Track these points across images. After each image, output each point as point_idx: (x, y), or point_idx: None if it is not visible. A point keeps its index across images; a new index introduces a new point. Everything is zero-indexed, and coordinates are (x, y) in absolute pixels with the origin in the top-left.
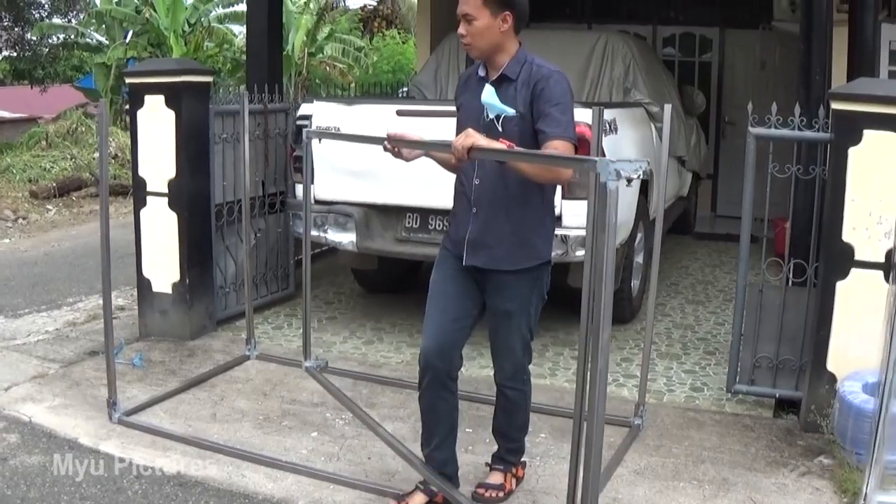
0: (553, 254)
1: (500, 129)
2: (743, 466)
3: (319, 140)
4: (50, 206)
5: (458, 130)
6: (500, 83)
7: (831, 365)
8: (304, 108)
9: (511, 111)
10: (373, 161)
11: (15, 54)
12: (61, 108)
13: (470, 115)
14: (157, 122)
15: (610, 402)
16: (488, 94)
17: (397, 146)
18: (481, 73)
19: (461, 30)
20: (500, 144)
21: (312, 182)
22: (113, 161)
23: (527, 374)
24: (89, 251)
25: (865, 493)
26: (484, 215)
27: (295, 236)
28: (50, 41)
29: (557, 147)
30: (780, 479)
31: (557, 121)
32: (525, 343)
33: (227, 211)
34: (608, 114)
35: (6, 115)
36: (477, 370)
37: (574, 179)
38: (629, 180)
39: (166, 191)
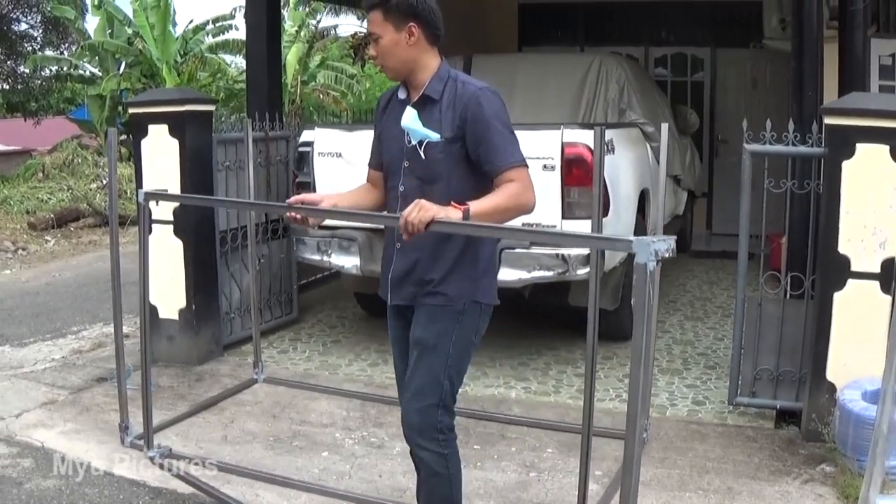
0: (553, 273)
1: (422, 155)
2: (747, 476)
3: (157, 202)
4: (49, 237)
5: (377, 160)
6: (423, 105)
7: (831, 374)
8: (306, 135)
9: (435, 136)
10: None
11: (8, 87)
12: (55, 140)
13: (392, 143)
14: (161, 151)
15: (615, 417)
16: (409, 119)
17: (302, 214)
18: (401, 95)
19: (370, 51)
20: (456, 213)
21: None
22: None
23: (444, 436)
24: (90, 280)
25: (868, 498)
26: (406, 250)
27: (298, 261)
28: (43, 73)
29: (513, 179)
30: (784, 487)
31: (501, 149)
32: (440, 392)
33: (231, 237)
34: (605, 135)
35: (0, 147)
36: (482, 389)
37: (574, 199)
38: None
39: (171, 218)
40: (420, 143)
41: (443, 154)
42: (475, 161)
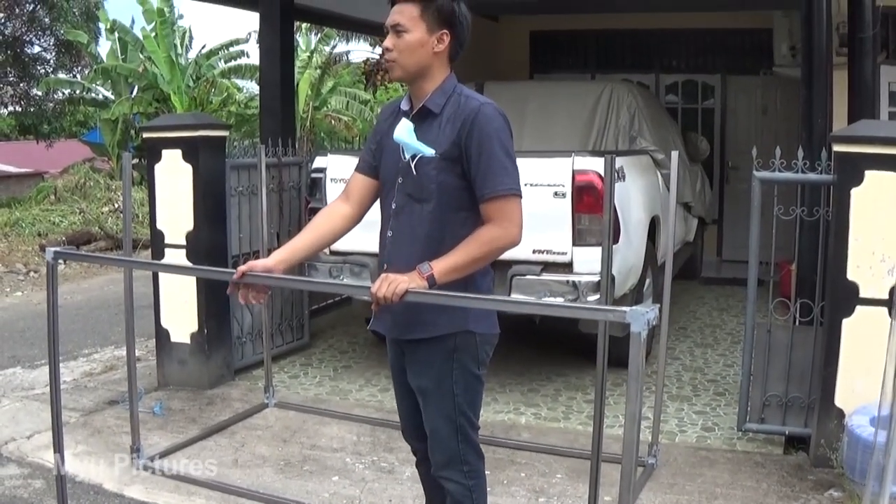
0: (563, 299)
1: (413, 172)
2: (755, 501)
3: (65, 262)
4: (60, 260)
5: (365, 164)
6: (422, 118)
7: (839, 400)
8: (319, 161)
9: (429, 151)
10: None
11: (20, 109)
12: (67, 163)
13: (389, 157)
14: (174, 176)
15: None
16: (403, 131)
17: (251, 284)
18: (404, 106)
19: (387, 42)
20: (420, 281)
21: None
22: (122, 215)
23: (468, 466)
24: (101, 304)
25: None
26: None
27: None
28: (55, 96)
29: (491, 217)
30: None
31: (490, 174)
32: (455, 428)
33: (243, 262)
34: (616, 162)
35: (12, 170)
36: (492, 415)
37: (585, 226)
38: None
39: (184, 243)
40: (413, 157)
41: (436, 171)
42: (470, 181)
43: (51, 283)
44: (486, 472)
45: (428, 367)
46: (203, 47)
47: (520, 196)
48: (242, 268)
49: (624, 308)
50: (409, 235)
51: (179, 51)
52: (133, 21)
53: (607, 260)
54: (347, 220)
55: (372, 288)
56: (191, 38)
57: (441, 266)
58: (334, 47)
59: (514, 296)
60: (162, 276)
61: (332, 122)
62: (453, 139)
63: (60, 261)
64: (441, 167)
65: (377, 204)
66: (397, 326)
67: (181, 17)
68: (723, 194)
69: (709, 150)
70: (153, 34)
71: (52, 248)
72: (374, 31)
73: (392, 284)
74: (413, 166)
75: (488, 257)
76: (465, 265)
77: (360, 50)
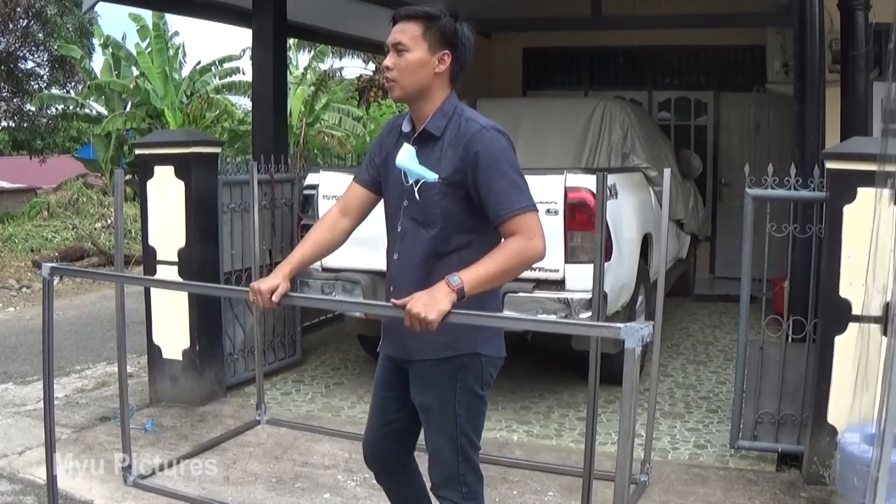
0: (555, 316)
1: (416, 196)
2: None
3: (61, 278)
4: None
5: (365, 175)
6: (424, 141)
7: (832, 418)
8: (311, 178)
9: (432, 176)
10: (379, 229)
11: (14, 125)
12: (60, 179)
13: (392, 178)
14: (166, 193)
15: (615, 461)
16: (405, 157)
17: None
18: (405, 127)
19: (387, 61)
20: (452, 296)
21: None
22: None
23: (467, 488)
24: (94, 319)
25: None
26: (399, 295)
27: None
28: (49, 112)
29: (515, 231)
30: None
31: (503, 195)
32: (456, 448)
33: (235, 279)
34: (609, 179)
35: (5, 185)
36: (485, 432)
37: (577, 244)
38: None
39: (176, 259)
40: (416, 182)
41: (439, 196)
42: (477, 205)
43: (47, 298)
44: None
45: (432, 386)
46: (198, 63)
47: (536, 210)
48: (263, 287)
49: (618, 325)
50: (415, 259)
51: (174, 66)
52: (125, 36)
53: (599, 277)
54: (345, 233)
55: (408, 307)
56: (184, 54)
57: (470, 277)
58: (332, 65)
59: (507, 312)
60: (154, 292)
61: (325, 138)
62: (456, 164)
63: (56, 276)
64: (444, 192)
65: (370, 218)
66: (407, 350)
67: (176, 33)
68: (716, 211)
69: (701, 168)
70: (147, 50)
71: (49, 265)
72: (368, 47)
73: (429, 306)
74: (416, 191)
75: (516, 269)
76: (494, 276)
77: (353, 66)
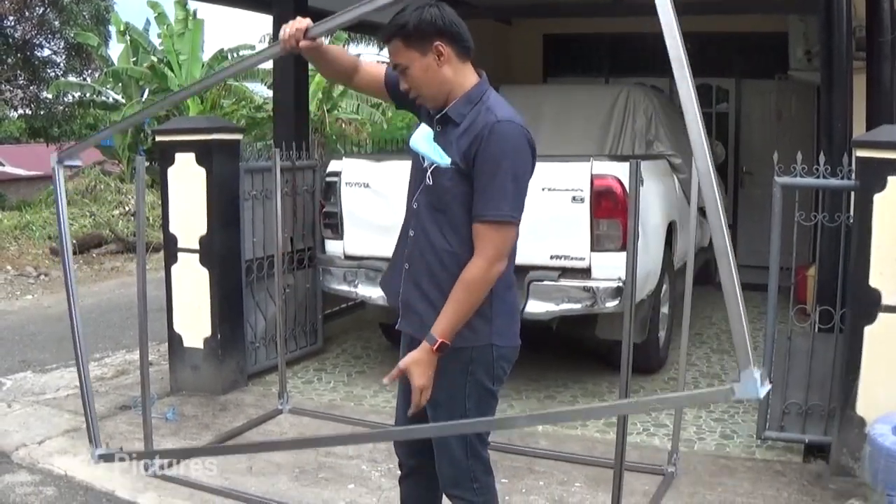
0: (581, 305)
1: (429, 180)
2: None
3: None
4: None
5: (394, 91)
6: (444, 123)
7: (861, 409)
8: (334, 165)
9: (444, 161)
10: (402, 218)
11: (30, 112)
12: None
13: (415, 160)
14: (187, 180)
15: (642, 451)
16: (419, 138)
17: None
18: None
19: (402, 85)
20: (433, 357)
21: (342, 238)
22: (133, 218)
23: (478, 483)
24: (112, 307)
25: None
26: (414, 274)
27: (324, 291)
28: (65, 99)
29: (477, 240)
30: None
31: (484, 195)
32: (465, 443)
33: (256, 267)
34: None
35: (22, 172)
36: None
37: (603, 232)
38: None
39: (197, 247)
40: (430, 165)
41: (450, 182)
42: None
43: (57, 185)
44: (504, 481)
45: (441, 377)
46: (220, 51)
47: (512, 223)
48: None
49: (730, 385)
50: (429, 244)
51: (195, 51)
52: (148, 23)
53: (632, 266)
54: (352, 72)
55: (413, 400)
56: (202, 41)
57: (442, 328)
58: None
59: (532, 302)
60: (175, 280)
61: (343, 125)
62: (464, 152)
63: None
64: (455, 179)
65: (392, 207)
66: (424, 327)
67: (197, 18)
68: (737, 199)
69: (724, 155)
70: (168, 35)
71: (56, 153)
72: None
73: (423, 394)
74: (430, 175)
75: (479, 297)
76: (464, 314)
77: (370, 54)
